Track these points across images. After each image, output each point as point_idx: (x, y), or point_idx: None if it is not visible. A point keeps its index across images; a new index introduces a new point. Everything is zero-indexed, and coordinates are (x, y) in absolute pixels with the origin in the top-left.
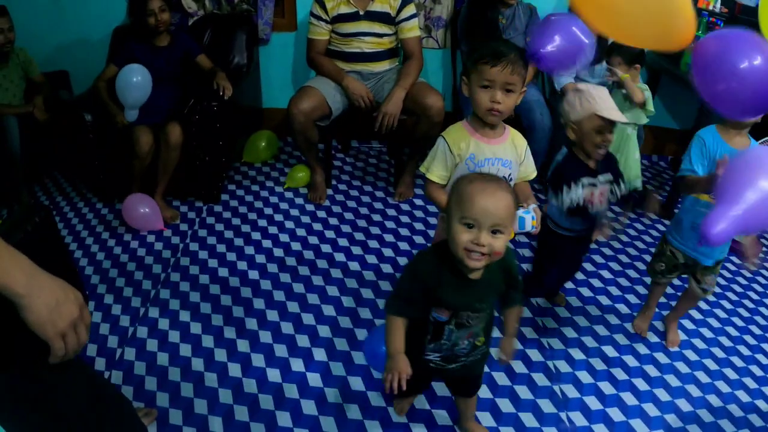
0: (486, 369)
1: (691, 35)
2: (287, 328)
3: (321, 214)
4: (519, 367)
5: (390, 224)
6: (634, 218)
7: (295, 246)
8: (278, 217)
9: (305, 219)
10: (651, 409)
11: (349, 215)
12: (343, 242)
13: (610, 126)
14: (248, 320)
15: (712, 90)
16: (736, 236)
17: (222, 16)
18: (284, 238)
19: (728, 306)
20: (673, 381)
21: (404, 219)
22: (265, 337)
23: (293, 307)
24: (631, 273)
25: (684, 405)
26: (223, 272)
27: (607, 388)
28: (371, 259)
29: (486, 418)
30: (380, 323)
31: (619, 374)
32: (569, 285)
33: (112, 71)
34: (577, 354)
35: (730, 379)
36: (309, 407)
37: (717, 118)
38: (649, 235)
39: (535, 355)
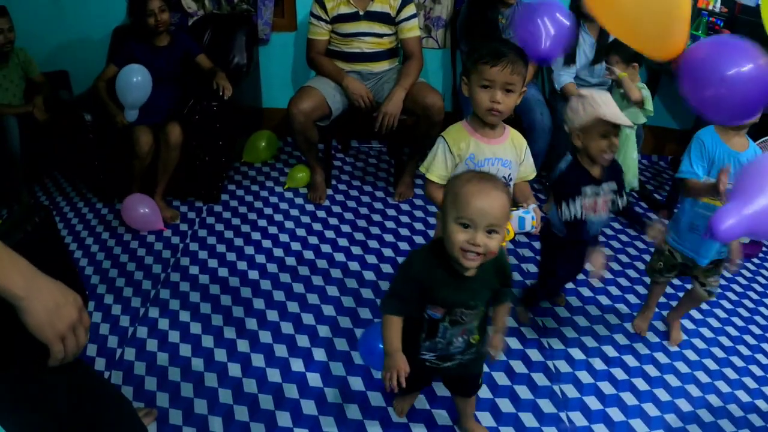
0: (486, 369)
1: (681, 48)
2: (287, 328)
3: (321, 214)
4: (519, 367)
5: (390, 224)
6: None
7: (295, 246)
8: (278, 217)
9: (305, 219)
10: (651, 409)
11: (349, 215)
12: (342, 242)
13: (616, 130)
14: (248, 320)
15: (699, 96)
16: (743, 237)
17: (222, 16)
18: (284, 238)
19: (728, 306)
20: (673, 381)
21: (404, 219)
22: (265, 337)
23: (293, 307)
24: (631, 273)
25: (684, 405)
26: (223, 272)
27: (607, 388)
28: (371, 259)
29: (486, 418)
30: (378, 322)
31: (619, 374)
32: (569, 285)
33: (112, 71)
34: (577, 354)
35: (730, 379)
36: (309, 407)
37: None
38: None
39: (535, 355)
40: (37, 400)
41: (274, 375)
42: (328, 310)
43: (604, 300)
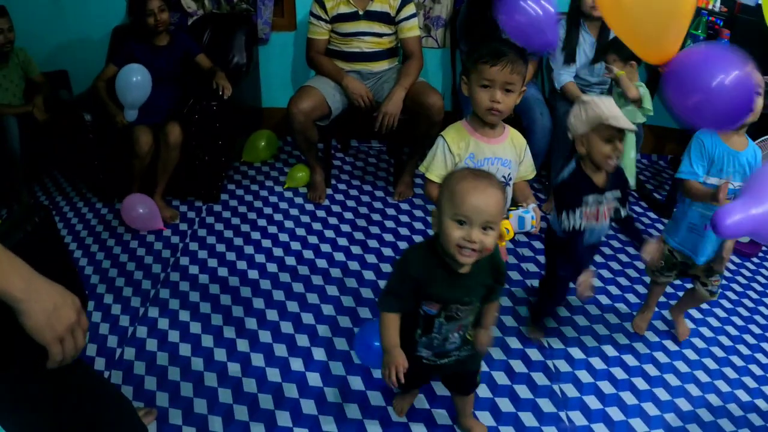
0: (486, 368)
1: (671, 56)
2: (287, 327)
3: (320, 213)
4: (519, 366)
5: (389, 224)
6: (634, 217)
7: (295, 245)
8: (278, 217)
9: (305, 218)
10: (651, 409)
11: (348, 215)
12: (342, 242)
13: (620, 135)
14: (248, 320)
15: (684, 104)
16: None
17: (221, 15)
18: (284, 237)
19: (728, 305)
20: (672, 380)
21: (404, 218)
22: (265, 336)
23: (293, 306)
24: (631, 272)
25: (684, 404)
26: (222, 272)
27: (606, 387)
28: (371, 258)
29: (486, 418)
30: (371, 321)
31: (619, 373)
32: (569, 285)
33: (112, 71)
34: (577, 353)
35: (729, 379)
36: (308, 407)
37: None
38: (648, 235)
39: (534, 354)
40: (37, 400)
41: (273, 374)
42: (328, 309)
43: (604, 300)
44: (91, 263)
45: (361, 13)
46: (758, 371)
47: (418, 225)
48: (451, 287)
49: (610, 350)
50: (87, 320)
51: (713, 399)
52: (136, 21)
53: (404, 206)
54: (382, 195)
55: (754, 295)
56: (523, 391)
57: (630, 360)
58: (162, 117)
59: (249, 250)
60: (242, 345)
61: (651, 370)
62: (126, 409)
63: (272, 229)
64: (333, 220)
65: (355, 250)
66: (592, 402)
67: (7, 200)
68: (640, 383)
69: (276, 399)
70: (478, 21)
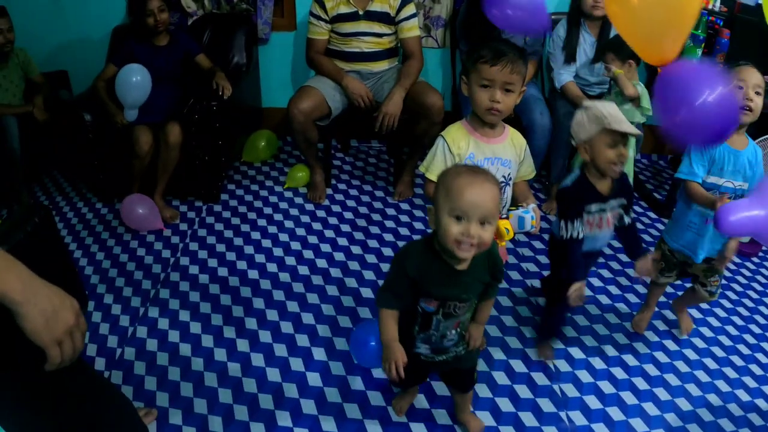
0: (486, 368)
1: (671, 58)
2: (287, 327)
3: (320, 213)
4: (519, 366)
5: (389, 224)
6: (634, 217)
7: (295, 245)
8: (278, 217)
9: (305, 218)
10: (651, 409)
11: (348, 215)
12: (342, 241)
13: (624, 140)
14: (248, 320)
15: (672, 120)
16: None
17: (221, 15)
18: (284, 237)
19: (728, 305)
20: (672, 380)
21: (404, 218)
22: (265, 336)
23: (293, 306)
24: (631, 272)
25: (684, 404)
26: (222, 272)
27: (606, 387)
28: (371, 258)
29: (486, 418)
30: (366, 320)
31: (619, 373)
32: None
33: (112, 71)
34: (577, 353)
35: (730, 378)
36: (308, 407)
37: None
38: (648, 234)
39: (534, 354)
40: (37, 400)
41: (273, 374)
42: (328, 309)
43: (603, 299)
44: (91, 263)
45: (361, 13)
46: (758, 371)
47: (418, 225)
48: (449, 284)
49: (610, 350)
50: (86, 322)
51: (713, 399)
52: (136, 21)
53: (404, 206)
54: (382, 195)
55: (755, 295)
56: (523, 391)
57: (630, 360)
58: (162, 117)
59: (249, 250)
60: (242, 345)
61: (651, 369)
62: (126, 409)
63: (272, 229)
64: (333, 220)
65: (355, 249)
66: (592, 402)
67: (7, 200)
68: (640, 383)
69: (276, 399)
70: (478, 21)
